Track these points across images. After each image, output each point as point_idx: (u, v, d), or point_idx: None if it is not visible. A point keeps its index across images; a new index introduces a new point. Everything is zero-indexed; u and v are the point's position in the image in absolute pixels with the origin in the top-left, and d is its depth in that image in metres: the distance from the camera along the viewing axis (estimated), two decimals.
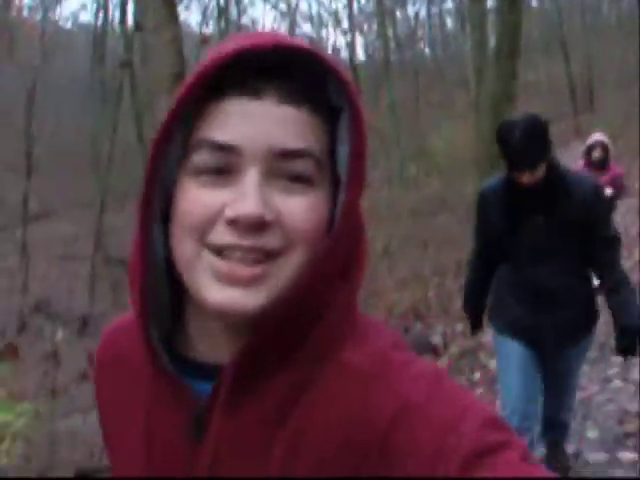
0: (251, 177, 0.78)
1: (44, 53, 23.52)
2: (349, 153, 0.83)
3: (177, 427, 0.85)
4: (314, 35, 24.68)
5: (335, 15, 25.63)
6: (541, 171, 3.16)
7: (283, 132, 0.79)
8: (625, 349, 3.21)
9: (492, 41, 14.96)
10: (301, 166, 0.80)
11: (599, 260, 3.28)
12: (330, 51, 25.18)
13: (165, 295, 0.89)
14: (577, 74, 25.76)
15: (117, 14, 22.60)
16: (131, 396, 0.92)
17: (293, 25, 24.69)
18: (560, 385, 3.62)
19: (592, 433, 4.32)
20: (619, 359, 4.56)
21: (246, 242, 0.77)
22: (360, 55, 28.52)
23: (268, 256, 0.78)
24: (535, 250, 3.29)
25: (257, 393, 0.83)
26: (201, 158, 0.80)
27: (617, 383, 4.97)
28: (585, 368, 4.46)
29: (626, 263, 7.90)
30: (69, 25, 34.00)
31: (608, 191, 6.77)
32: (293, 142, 0.79)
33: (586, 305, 3.39)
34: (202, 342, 0.87)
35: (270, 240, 0.78)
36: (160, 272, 0.87)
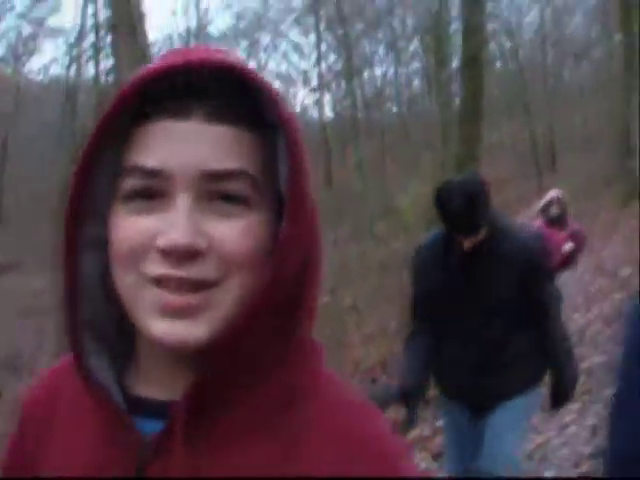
0: (182, 203, 0.74)
1: (16, 104, 23.60)
2: (288, 170, 0.78)
3: (120, 467, 0.79)
4: (282, 92, 25.03)
5: (304, 73, 26.07)
6: (482, 234, 3.05)
7: (214, 152, 0.76)
8: (558, 406, 3.38)
9: (457, 103, 15.40)
10: (235, 187, 0.76)
11: (538, 322, 3.20)
12: (298, 109, 25.57)
13: (110, 327, 0.85)
14: (540, 136, 26.41)
15: (90, 67, 22.87)
16: (71, 432, 0.87)
17: None
18: (498, 441, 3.27)
19: (549, 473, 4.50)
20: (576, 405, 4.78)
21: (179, 272, 0.73)
22: (328, 113, 28.92)
23: (204, 286, 0.75)
24: (471, 311, 3.17)
25: (213, 431, 0.78)
26: (130, 184, 0.76)
27: (573, 429, 5.13)
28: (542, 415, 4.61)
29: (583, 318, 8.21)
30: (40, 77, 34.06)
31: (569, 245, 6.86)
32: (225, 162, 0.76)
33: (525, 365, 3.24)
34: (154, 376, 0.82)
35: (204, 269, 0.74)
36: (99, 303, 0.84)
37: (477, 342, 3.19)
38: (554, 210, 7.17)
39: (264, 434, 0.78)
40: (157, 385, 0.82)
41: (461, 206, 2.95)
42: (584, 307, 8.69)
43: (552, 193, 7.44)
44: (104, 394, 0.80)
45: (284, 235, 0.77)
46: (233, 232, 0.75)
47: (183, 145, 0.75)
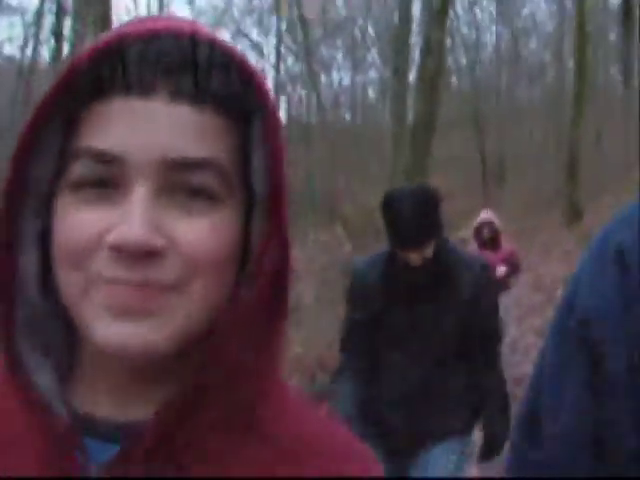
0: (138, 194, 0.64)
1: None
2: (266, 161, 0.69)
3: None
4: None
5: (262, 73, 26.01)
6: (430, 250, 2.81)
7: (179, 137, 0.65)
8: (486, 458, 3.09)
9: (410, 115, 15.60)
10: (202, 179, 0.66)
11: (477, 354, 2.98)
12: None
13: (54, 335, 0.72)
14: (489, 152, 26.82)
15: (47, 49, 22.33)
16: (1, 454, 0.71)
17: None
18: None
19: None
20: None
21: (135, 275, 0.63)
22: (282, 115, 28.99)
23: (163, 290, 0.64)
24: (408, 337, 2.92)
25: (177, 457, 0.67)
26: (79, 170, 0.65)
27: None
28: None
29: (517, 330, 8.48)
30: None
31: (502, 269, 6.91)
32: (192, 149, 0.65)
33: (463, 406, 3.02)
34: (103, 392, 0.71)
35: (164, 272, 0.64)
36: (39, 305, 0.71)
37: (416, 376, 2.92)
38: (485, 233, 7.20)
39: (235, 462, 0.69)
40: (108, 402, 0.70)
41: (411, 212, 2.75)
42: (518, 320, 8.95)
43: (483, 215, 7.44)
44: (45, 410, 0.68)
45: (261, 235, 0.70)
46: (197, 231, 0.66)
47: (143, 127, 0.65)
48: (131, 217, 0.63)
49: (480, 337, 2.97)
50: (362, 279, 3.02)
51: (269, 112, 0.69)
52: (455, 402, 3.00)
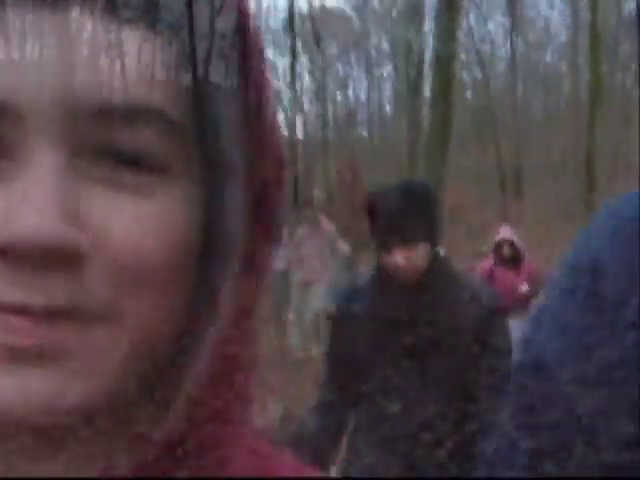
0: (41, 166, 0.39)
1: None
2: (244, 112, 0.46)
3: None
4: None
5: (277, 93, 26.27)
6: (422, 255, 2.39)
7: (102, 69, 0.40)
8: None
9: (426, 129, 15.65)
10: (142, 139, 0.42)
11: (477, 397, 2.41)
12: None
13: None
14: (506, 164, 26.78)
15: None
16: None
17: None
18: None
19: None
20: None
21: (35, 298, 0.39)
22: (299, 133, 29.12)
23: (82, 320, 0.40)
24: (407, 377, 2.44)
25: None
26: None
27: None
28: None
29: None
30: None
31: (524, 287, 6.61)
32: (123, 92, 0.41)
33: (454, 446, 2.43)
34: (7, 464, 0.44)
35: (84, 290, 0.40)
36: None
37: (409, 418, 2.44)
38: (506, 251, 6.91)
39: None
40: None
41: (395, 204, 2.38)
42: None
43: (504, 233, 7.13)
44: None
45: (235, 229, 0.46)
46: (137, 221, 0.42)
47: (47, 58, 0.39)
48: (32, 202, 0.38)
49: (485, 376, 2.40)
50: (346, 308, 2.60)
51: (247, 38, 0.46)
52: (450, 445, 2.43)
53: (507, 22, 32.03)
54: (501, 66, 33.34)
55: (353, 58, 33.38)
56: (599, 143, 18.17)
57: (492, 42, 32.67)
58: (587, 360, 0.86)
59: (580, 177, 18.88)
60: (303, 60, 29.51)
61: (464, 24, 16.73)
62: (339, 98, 32.77)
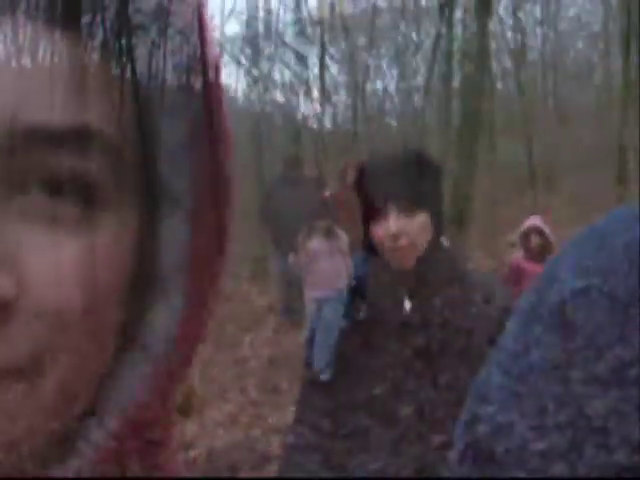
0: None
1: None
2: (185, 131, 0.41)
3: None
4: (284, 102, 25.22)
5: (306, 83, 26.24)
6: (420, 227, 2.08)
7: (30, 87, 0.35)
8: None
9: (456, 121, 15.55)
10: (70, 163, 0.36)
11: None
12: (300, 118, 25.71)
13: None
14: (537, 156, 26.55)
15: None
16: None
17: (265, 89, 25.24)
18: None
19: None
20: None
21: None
22: (328, 124, 29.10)
23: (3, 378, 0.36)
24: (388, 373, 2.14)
25: None
26: None
27: None
28: None
29: None
30: None
31: None
32: (56, 110, 0.35)
33: None
34: None
35: (8, 344, 0.35)
36: None
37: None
38: (535, 240, 6.34)
39: None
40: None
41: (389, 160, 2.17)
42: None
43: (532, 220, 6.53)
44: None
45: (176, 263, 0.41)
46: (65, 261, 0.36)
47: None
48: None
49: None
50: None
51: (202, 32, 0.39)
52: None
53: (538, 11, 31.76)
54: (532, 56, 33.03)
55: (383, 49, 33.24)
56: (631, 135, 17.92)
57: (522, 32, 32.38)
58: (598, 360, 0.81)
59: (611, 171, 18.66)
60: (331, 51, 29.46)
61: (494, 14, 16.58)
62: (368, 89, 32.67)
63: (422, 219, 2.10)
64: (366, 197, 2.16)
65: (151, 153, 0.40)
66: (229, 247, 0.45)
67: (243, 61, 24.81)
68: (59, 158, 0.36)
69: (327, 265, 7.63)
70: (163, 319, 0.42)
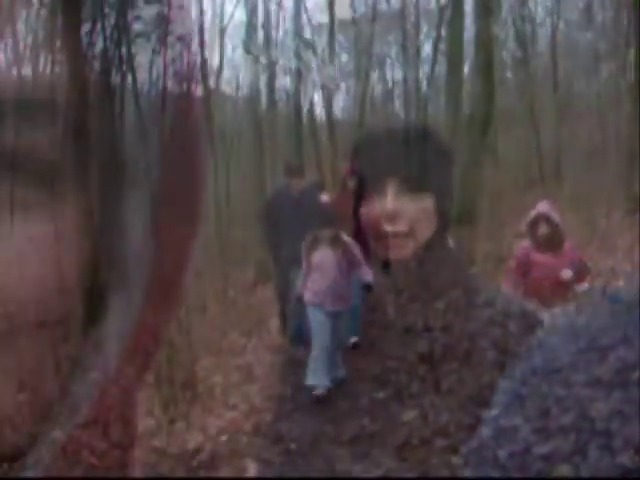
0: None
1: None
2: (162, 119, 0.38)
3: None
4: (292, 89, 25.14)
5: (315, 71, 26.16)
6: (420, 210, 1.75)
7: None
8: None
9: (466, 109, 15.45)
10: (37, 142, 0.33)
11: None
12: (307, 106, 25.63)
13: None
14: (546, 146, 26.44)
15: None
16: None
17: (272, 78, 25.17)
18: None
19: None
20: None
21: None
22: (337, 112, 29.03)
23: None
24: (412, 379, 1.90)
25: None
26: None
27: None
28: None
29: None
30: None
31: (568, 273, 5.69)
32: (15, 83, 0.32)
33: None
34: None
35: None
36: None
37: None
38: (543, 229, 5.82)
39: None
40: None
41: (395, 132, 1.87)
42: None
43: (540, 207, 5.98)
44: None
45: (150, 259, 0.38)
46: (27, 246, 0.33)
47: None
48: None
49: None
50: None
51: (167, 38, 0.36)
52: None
53: (548, 1, 31.57)
54: (541, 46, 32.84)
55: (391, 37, 33.09)
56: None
57: (532, 21, 32.17)
58: (601, 362, 0.83)
59: (622, 160, 18.55)
60: (340, 38, 29.34)
61: (504, 2, 16.46)
62: (376, 77, 32.57)
63: (426, 204, 1.77)
64: (361, 179, 1.83)
65: (117, 136, 0.36)
66: (198, 231, 0.42)
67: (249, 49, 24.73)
68: (21, 134, 0.32)
69: (335, 277, 7.12)
70: (120, 313, 0.38)
